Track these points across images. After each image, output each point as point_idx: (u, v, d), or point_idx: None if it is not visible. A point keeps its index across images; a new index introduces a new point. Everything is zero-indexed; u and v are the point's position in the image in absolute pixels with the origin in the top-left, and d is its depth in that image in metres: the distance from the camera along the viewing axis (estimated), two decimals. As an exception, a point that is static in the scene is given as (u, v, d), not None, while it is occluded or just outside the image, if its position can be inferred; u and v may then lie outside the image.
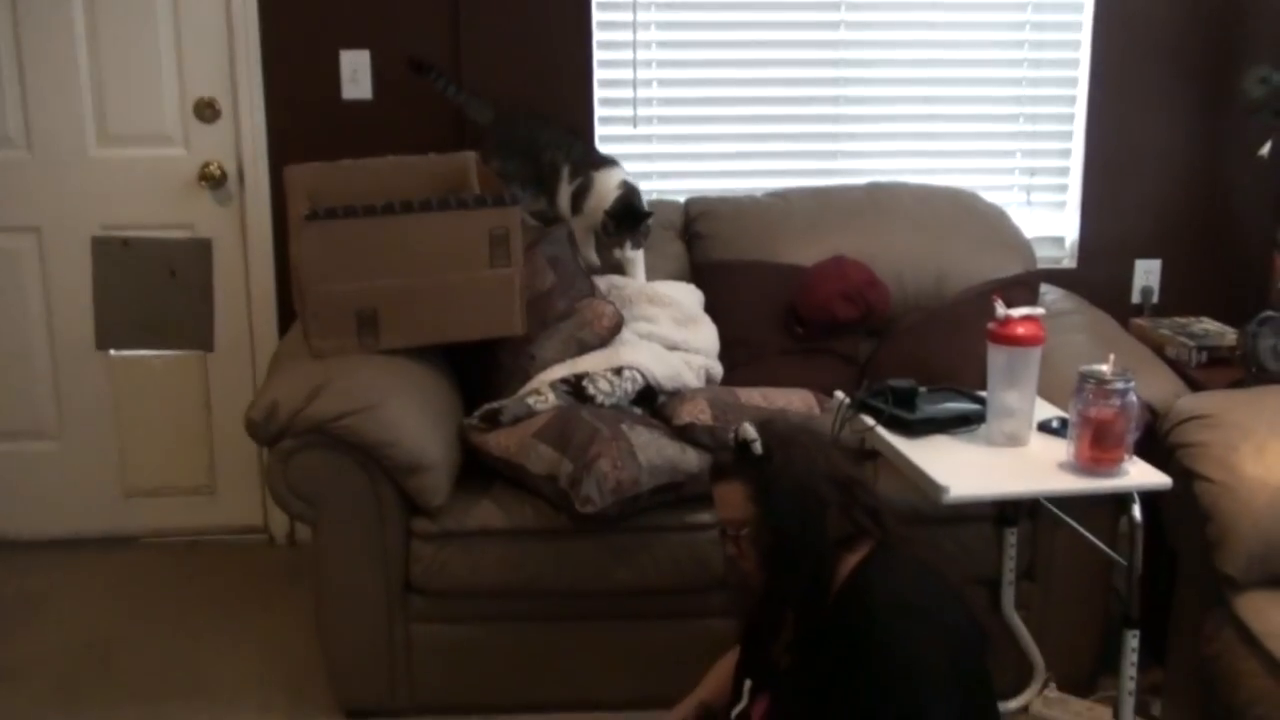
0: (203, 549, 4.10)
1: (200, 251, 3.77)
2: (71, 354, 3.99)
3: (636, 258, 3.60)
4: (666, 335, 3.44)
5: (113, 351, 3.92)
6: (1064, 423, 2.62)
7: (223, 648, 3.50)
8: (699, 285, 3.66)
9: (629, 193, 3.48)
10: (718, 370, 3.46)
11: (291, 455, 2.98)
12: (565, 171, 3.53)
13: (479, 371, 3.37)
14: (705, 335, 3.51)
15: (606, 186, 3.49)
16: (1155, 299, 4.00)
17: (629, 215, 3.47)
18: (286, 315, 3.86)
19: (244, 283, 3.97)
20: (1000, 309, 2.59)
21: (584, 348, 3.36)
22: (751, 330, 3.56)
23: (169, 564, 4.00)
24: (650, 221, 3.53)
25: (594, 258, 3.60)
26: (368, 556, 3.05)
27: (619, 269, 3.64)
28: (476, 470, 3.16)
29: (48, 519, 4.11)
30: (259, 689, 3.30)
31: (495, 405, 3.18)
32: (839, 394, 2.89)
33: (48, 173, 3.89)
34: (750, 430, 2.22)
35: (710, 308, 3.60)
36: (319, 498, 3.02)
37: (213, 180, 3.89)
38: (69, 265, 3.90)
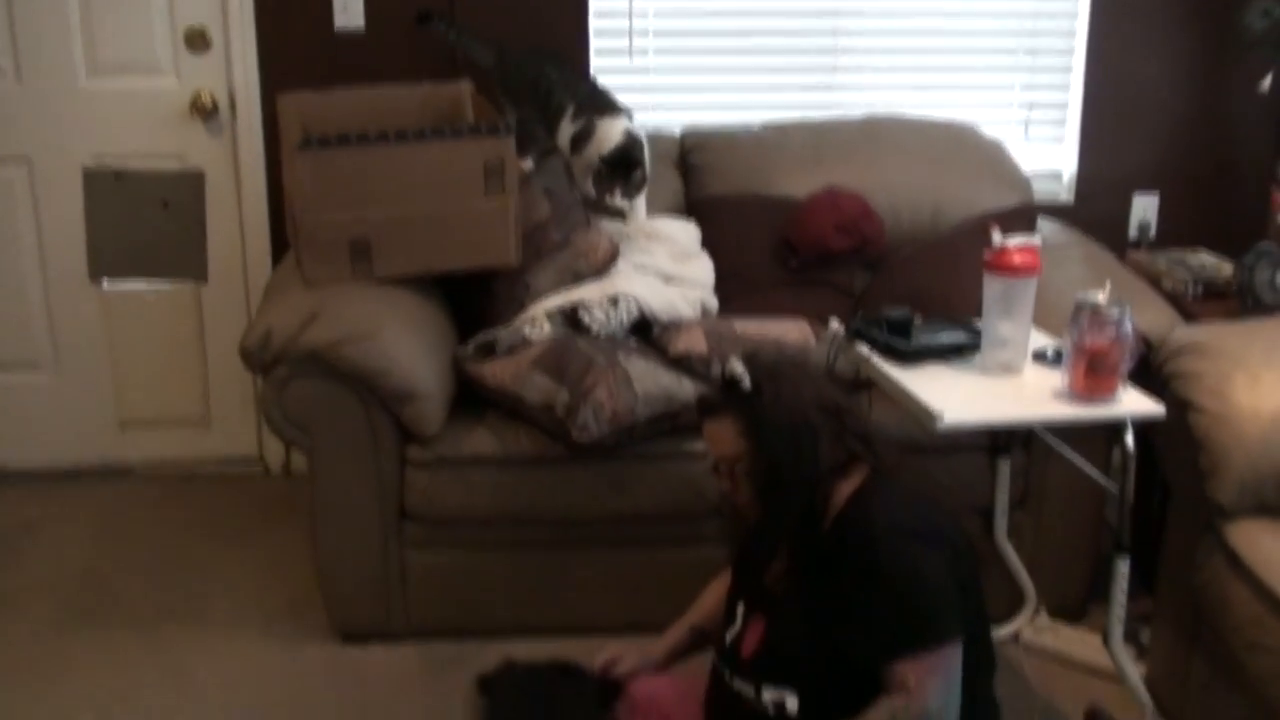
0: (198, 480, 4.11)
1: (192, 183, 3.75)
2: (64, 285, 3.98)
3: (635, 207, 3.53)
4: (663, 268, 3.43)
5: (106, 283, 3.91)
6: (1059, 353, 2.63)
7: (220, 575, 3.52)
8: (694, 220, 3.64)
9: (631, 143, 3.41)
10: (713, 304, 3.45)
11: (286, 383, 2.99)
12: (570, 110, 3.46)
13: (473, 300, 3.37)
14: (702, 270, 3.50)
15: (610, 134, 3.41)
16: (1152, 233, 3.99)
17: (623, 163, 3.40)
18: (280, 246, 3.85)
19: (237, 214, 3.95)
20: (997, 238, 2.59)
21: (579, 278, 3.36)
22: (746, 264, 3.55)
23: (165, 494, 4.01)
24: (642, 173, 3.43)
25: (592, 192, 3.56)
26: (362, 483, 3.06)
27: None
28: (471, 401, 3.16)
29: (43, 450, 4.12)
30: (257, 615, 3.32)
31: (490, 335, 3.18)
32: (834, 323, 2.88)
33: (37, 103, 3.85)
34: (737, 366, 2.22)
35: (705, 243, 3.59)
36: (313, 426, 3.03)
37: (204, 111, 3.86)
38: (60, 196, 3.88)
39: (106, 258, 3.62)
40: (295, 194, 3.15)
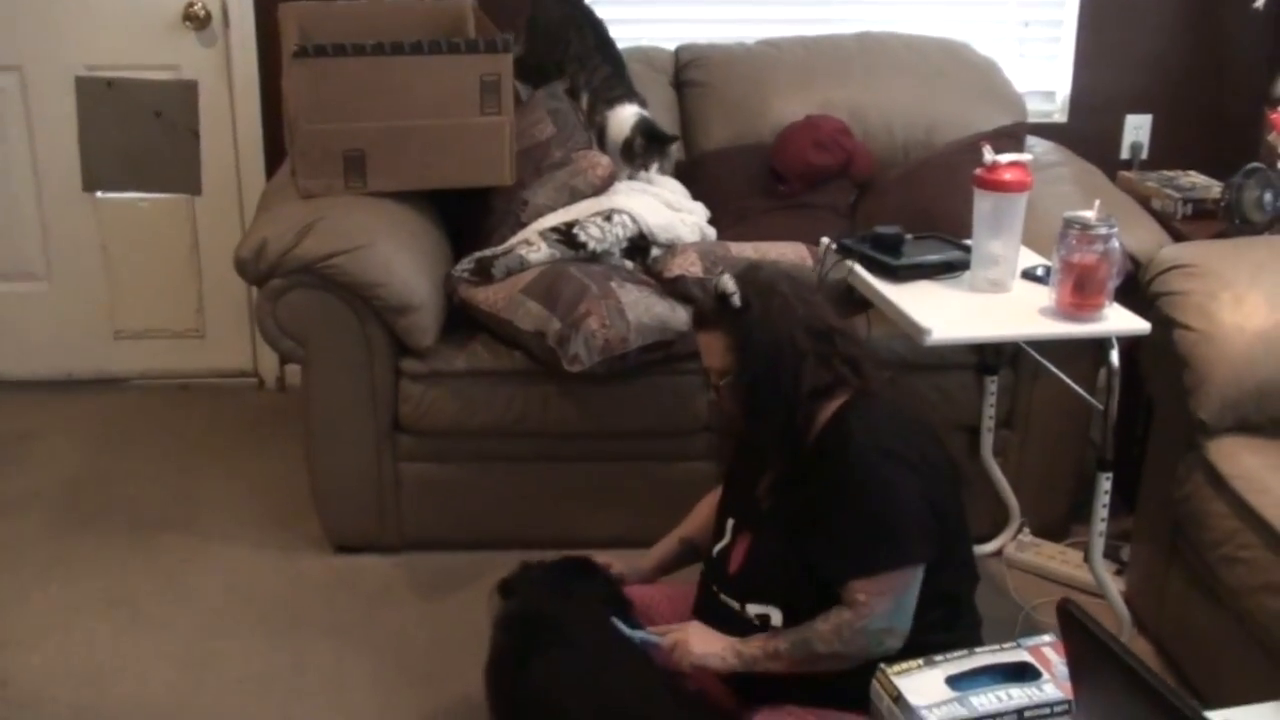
0: (193, 392, 4.14)
1: (185, 93, 3.73)
2: (58, 196, 3.98)
3: (664, 185, 3.51)
4: (665, 198, 3.43)
5: (99, 194, 3.91)
6: (1048, 270, 2.65)
7: (214, 486, 3.56)
8: (684, 178, 3.62)
9: (645, 120, 3.44)
10: (711, 233, 3.45)
11: (280, 295, 3.00)
12: (584, 100, 3.51)
13: (470, 215, 3.38)
14: (701, 207, 3.50)
15: (620, 124, 3.44)
16: (1144, 154, 3.99)
17: (656, 137, 3.42)
18: (273, 159, 3.85)
19: (230, 125, 3.95)
20: (988, 154, 2.60)
21: (576, 195, 3.36)
22: (737, 199, 3.55)
23: (159, 405, 4.05)
24: (675, 148, 3.47)
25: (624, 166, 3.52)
26: (356, 396, 3.09)
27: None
28: (465, 320, 3.18)
29: (38, 360, 4.15)
30: (251, 525, 3.37)
31: (488, 254, 3.19)
32: (825, 240, 2.90)
33: (29, 11, 3.83)
34: (729, 283, 2.23)
35: (699, 173, 3.60)
36: (308, 337, 3.05)
37: (197, 20, 3.84)
38: (53, 106, 3.86)
39: (100, 168, 3.62)
40: (291, 103, 3.15)
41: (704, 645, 2.23)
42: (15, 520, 3.37)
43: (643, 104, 3.51)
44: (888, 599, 2.13)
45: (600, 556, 2.51)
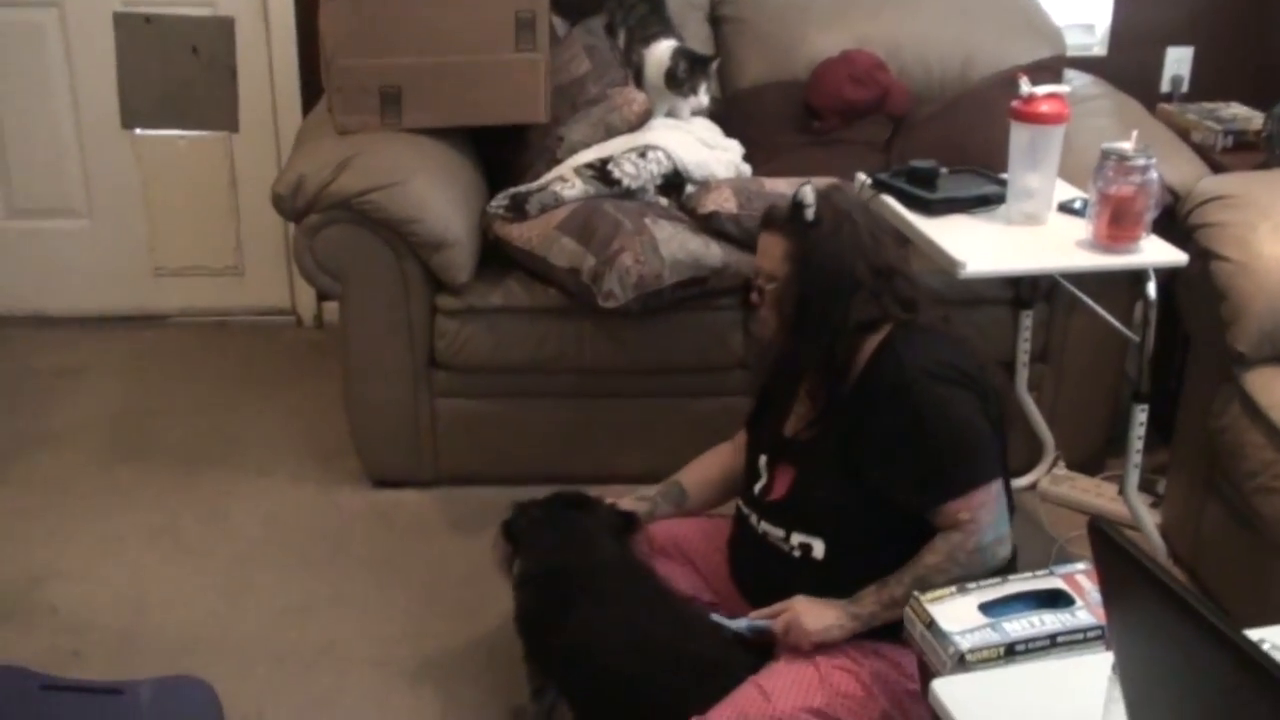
0: (231, 329, 4.17)
1: (222, 29, 3.73)
2: (98, 132, 4.00)
3: (699, 110, 3.49)
4: (701, 135, 3.42)
5: (138, 131, 3.93)
6: (1085, 203, 2.63)
7: (253, 421, 3.60)
8: (719, 114, 3.59)
9: (683, 48, 3.41)
10: (746, 170, 3.43)
11: (318, 231, 3.02)
12: (621, 37, 3.49)
13: (505, 151, 3.38)
14: (734, 145, 3.49)
15: (658, 59, 3.41)
16: (1185, 88, 3.94)
17: (697, 60, 3.40)
18: (310, 95, 3.85)
19: (267, 62, 3.96)
20: (1025, 86, 2.58)
21: (612, 131, 3.35)
22: (772, 135, 3.54)
23: (199, 342, 4.08)
24: (715, 66, 3.45)
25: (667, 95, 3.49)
26: (393, 332, 3.11)
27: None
28: (499, 257, 3.19)
29: (79, 296, 4.18)
30: (290, 459, 3.41)
31: (523, 190, 3.19)
32: (860, 175, 2.89)
33: (68, -55, 3.84)
34: (809, 194, 2.21)
35: (734, 108, 3.57)
36: (345, 273, 3.07)
37: (234, -44, 3.84)
38: (92, 42, 3.87)
39: (138, 105, 3.63)
40: (327, 39, 3.16)
41: (818, 620, 2.20)
42: (60, 454, 3.43)
43: (680, 40, 3.49)
44: (990, 510, 2.15)
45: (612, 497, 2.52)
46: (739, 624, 2.29)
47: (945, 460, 2.16)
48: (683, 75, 3.37)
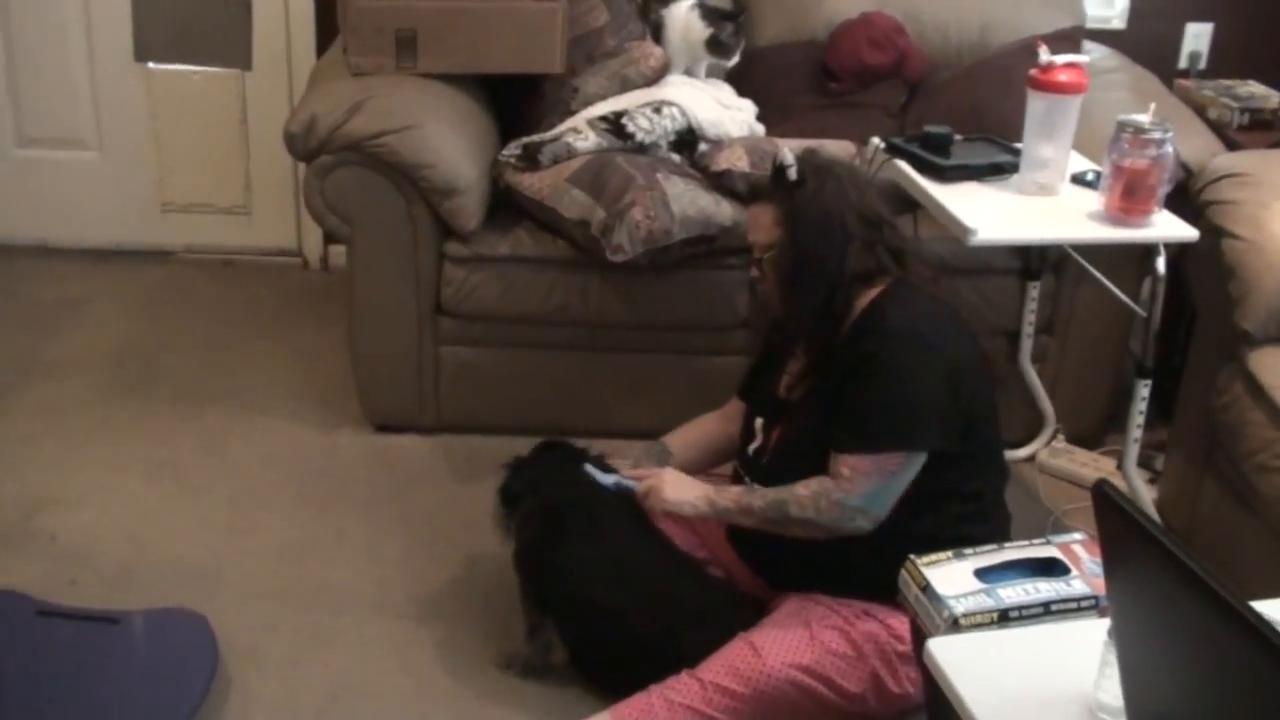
0: (238, 268, 4.17)
1: (238, -35, 3.71)
2: (110, 65, 3.98)
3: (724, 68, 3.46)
4: (718, 95, 3.40)
5: (151, 65, 3.91)
6: (1098, 175, 2.63)
7: (257, 361, 3.60)
8: (736, 72, 3.57)
9: (705, 6, 3.36)
10: (760, 130, 3.41)
11: (328, 172, 3.01)
12: None
13: (519, 100, 3.36)
14: (748, 104, 3.47)
15: (680, 16, 3.38)
16: (1203, 64, 3.92)
17: (729, 16, 3.35)
18: (325, 36, 3.83)
19: (283, 0, 3.93)
20: (1044, 55, 2.57)
21: (628, 85, 3.34)
22: (788, 95, 3.52)
23: (205, 279, 4.08)
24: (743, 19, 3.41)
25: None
26: (400, 277, 3.11)
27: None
28: (509, 206, 3.18)
29: (86, 228, 4.18)
30: (292, 400, 3.41)
31: (535, 139, 3.18)
32: (875, 139, 2.88)
33: (83, -124, 3.82)
34: (788, 155, 2.24)
35: (746, 92, 3.53)
36: (354, 216, 3.06)
37: (252, -107, 3.81)
38: (107, -25, 3.86)
39: (151, 38, 3.60)
40: (343, -21, 3.14)
41: (677, 492, 2.31)
42: (63, 384, 3.43)
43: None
44: (872, 479, 2.17)
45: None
46: (608, 479, 2.39)
47: (870, 414, 2.18)
48: (728, 40, 3.32)
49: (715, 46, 3.34)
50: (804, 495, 2.19)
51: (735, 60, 3.38)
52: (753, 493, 2.26)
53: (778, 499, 2.22)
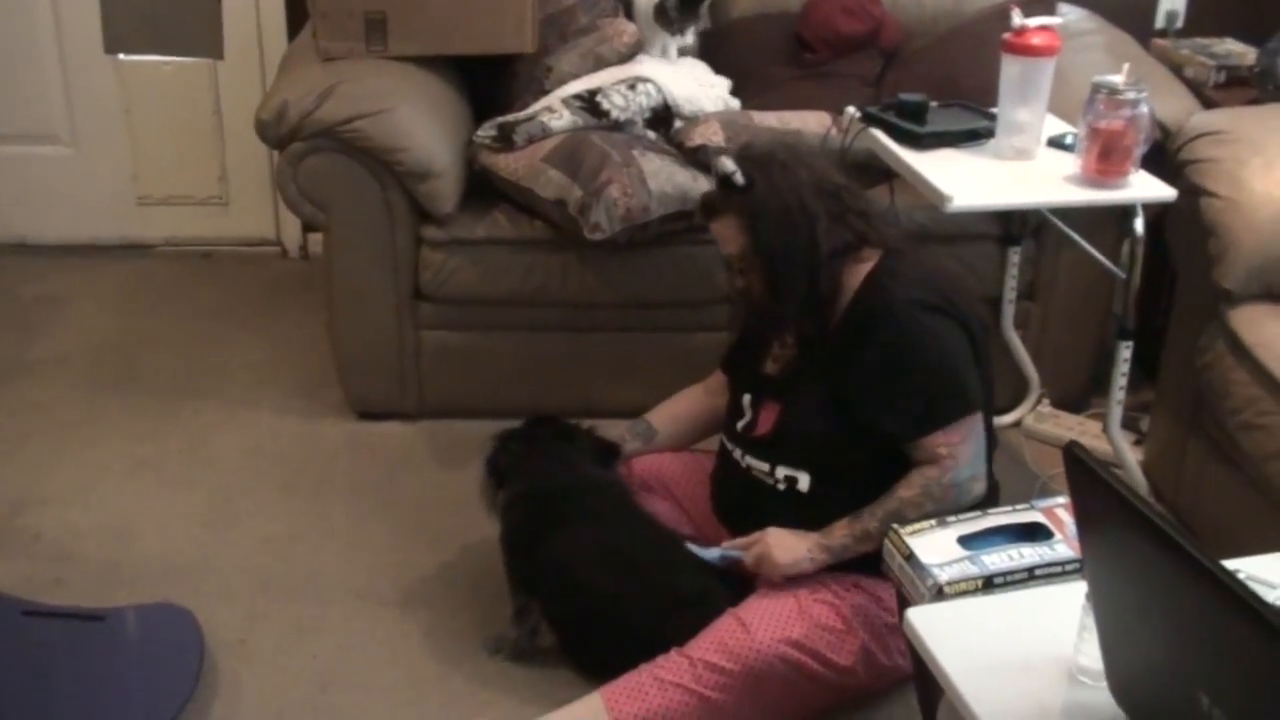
0: (216, 259, 4.15)
1: (207, -46, 3.68)
2: (80, 58, 3.96)
3: (690, 47, 3.44)
4: (693, 73, 3.38)
5: (122, 57, 3.88)
6: (1075, 138, 2.61)
7: (238, 351, 3.59)
8: (710, 46, 3.57)
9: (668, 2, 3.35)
10: (735, 104, 3.40)
11: (302, 159, 2.99)
12: None
13: (493, 80, 3.34)
14: (722, 82, 3.45)
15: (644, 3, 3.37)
16: (1180, 23, 3.89)
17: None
18: (296, 22, 3.81)
19: (252, -12, 3.92)
20: (1017, 18, 2.55)
21: (602, 63, 3.32)
22: (763, 67, 3.50)
23: (183, 272, 4.06)
24: (707, 4, 3.37)
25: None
26: (378, 263, 3.09)
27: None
28: (485, 188, 3.16)
29: (63, 224, 4.16)
30: (274, 390, 3.39)
31: (510, 119, 3.16)
32: (850, 109, 2.87)
33: None
34: (727, 164, 2.22)
35: (721, 66, 3.52)
36: (329, 203, 3.04)
37: (217, -120, 3.78)
38: (74, -35, 3.83)
39: (121, 30, 3.58)
40: (311, -36, 3.12)
41: (789, 552, 2.23)
42: (44, 382, 3.41)
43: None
44: (969, 445, 2.17)
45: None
46: (711, 553, 2.32)
47: (931, 391, 2.17)
48: (673, 13, 3.32)
49: (661, 17, 3.32)
50: (913, 495, 2.17)
51: (688, 38, 3.35)
52: (860, 519, 2.20)
53: (890, 511, 2.17)
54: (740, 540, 2.30)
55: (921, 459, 2.17)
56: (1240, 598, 0.98)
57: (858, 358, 2.20)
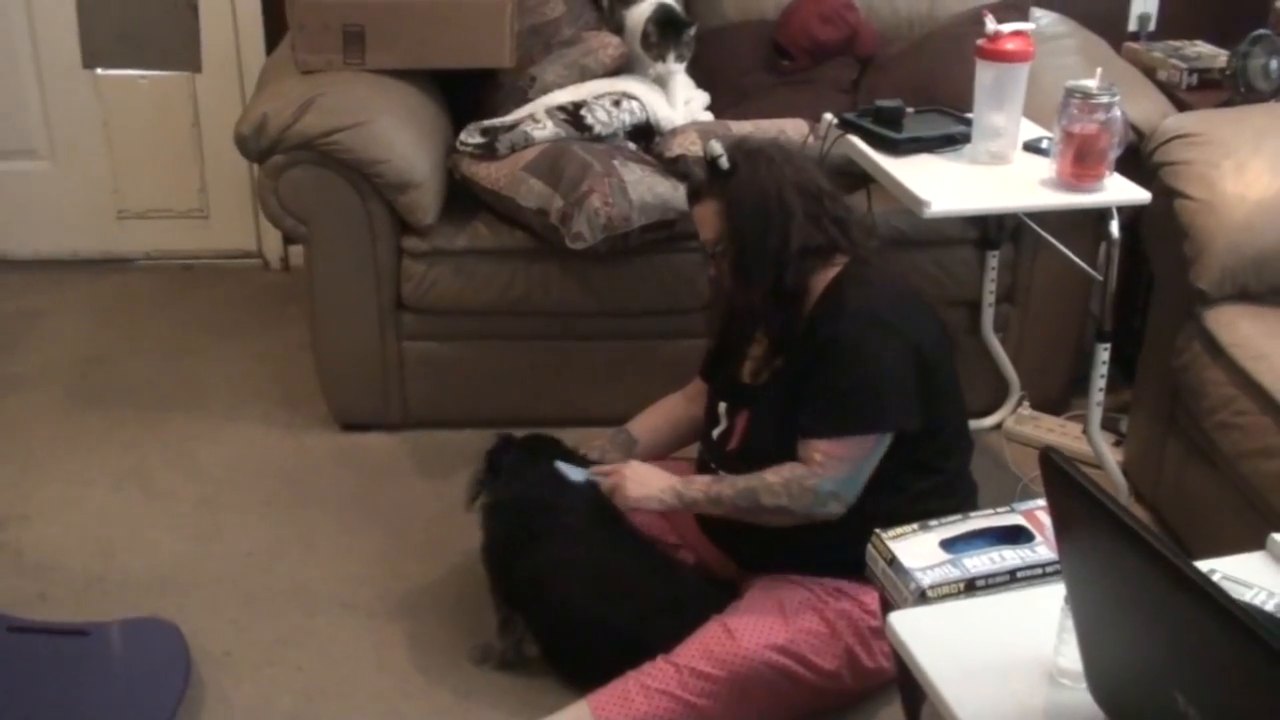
0: (197, 272, 4.15)
1: (184, -32, 3.69)
2: (58, 73, 3.95)
3: (677, 75, 3.37)
4: (673, 89, 3.38)
5: (100, 71, 3.88)
6: (1050, 142, 2.63)
7: (221, 365, 3.58)
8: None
9: (662, 8, 3.34)
10: (710, 118, 3.39)
11: (282, 172, 3.00)
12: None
13: (477, 91, 3.34)
14: (700, 96, 3.46)
15: (637, 17, 3.35)
16: (1152, 25, 3.93)
17: (671, 23, 3.31)
18: (274, 35, 3.81)
19: (230, 2, 3.90)
20: (990, 24, 2.57)
21: (587, 74, 3.31)
22: (740, 75, 3.52)
23: (165, 285, 4.06)
24: (692, 34, 3.33)
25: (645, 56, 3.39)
26: (359, 274, 3.10)
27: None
28: (466, 199, 3.17)
29: (43, 238, 4.15)
30: (257, 403, 3.39)
31: (494, 124, 3.16)
32: (827, 115, 2.88)
33: (25, -117, 3.78)
34: (716, 146, 2.24)
35: (699, 74, 3.51)
36: (310, 215, 3.05)
37: (194, -108, 3.78)
38: (51, -18, 3.82)
39: (99, 44, 3.59)
40: (289, -24, 3.13)
41: (642, 488, 2.30)
42: (26, 397, 3.41)
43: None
44: (845, 464, 2.17)
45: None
46: (577, 475, 2.38)
47: (837, 398, 2.18)
48: (654, 39, 3.31)
49: (644, 42, 3.32)
50: (775, 482, 2.19)
51: (671, 67, 3.33)
52: (721, 481, 2.26)
53: (748, 487, 2.21)
54: (604, 467, 2.38)
55: (800, 455, 2.20)
56: (1213, 599, 0.99)
57: (808, 361, 2.22)
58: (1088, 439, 2.79)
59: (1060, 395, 3.32)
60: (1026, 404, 3.25)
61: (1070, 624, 1.31)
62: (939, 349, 2.26)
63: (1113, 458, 2.85)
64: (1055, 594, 1.43)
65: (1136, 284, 3.21)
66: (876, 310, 2.20)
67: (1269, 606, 1.43)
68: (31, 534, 2.86)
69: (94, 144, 4.06)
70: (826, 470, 2.17)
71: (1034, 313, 3.22)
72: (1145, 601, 1.11)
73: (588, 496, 2.39)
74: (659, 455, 2.60)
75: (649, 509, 2.32)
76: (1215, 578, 1.01)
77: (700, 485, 2.28)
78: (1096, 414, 2.71)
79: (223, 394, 3.44)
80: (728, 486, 2.24)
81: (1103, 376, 2.67)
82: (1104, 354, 2.65)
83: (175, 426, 3.28)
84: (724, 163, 2.23)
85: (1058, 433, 3.18)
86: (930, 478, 2.29)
